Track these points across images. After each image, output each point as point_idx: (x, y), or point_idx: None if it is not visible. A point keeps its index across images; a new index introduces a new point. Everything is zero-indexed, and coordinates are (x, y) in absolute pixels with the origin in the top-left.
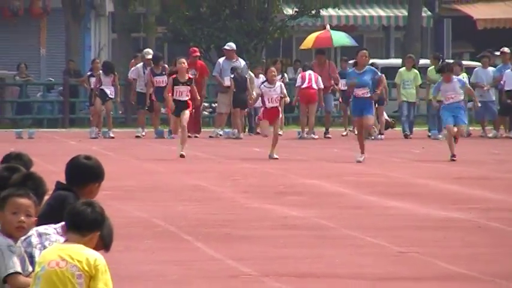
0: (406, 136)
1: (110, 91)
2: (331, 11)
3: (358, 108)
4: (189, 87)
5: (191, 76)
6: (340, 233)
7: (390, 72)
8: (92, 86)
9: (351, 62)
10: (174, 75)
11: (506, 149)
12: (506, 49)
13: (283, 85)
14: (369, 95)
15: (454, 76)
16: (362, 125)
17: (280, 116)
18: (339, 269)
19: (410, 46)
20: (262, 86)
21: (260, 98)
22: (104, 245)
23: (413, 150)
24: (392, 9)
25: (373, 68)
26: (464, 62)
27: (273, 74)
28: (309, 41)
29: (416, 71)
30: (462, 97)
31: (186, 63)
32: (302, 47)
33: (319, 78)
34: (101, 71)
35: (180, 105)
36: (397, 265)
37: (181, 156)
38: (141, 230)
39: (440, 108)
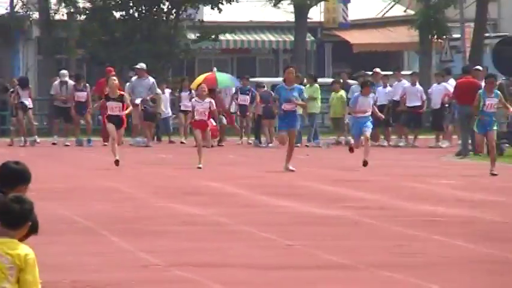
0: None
1: (28, 102)
2: (228, 36)
3: (285, 123)
4: (120, 103)
5: (123, 93)
6: (236, 229)
7: None
8: (13, 100)
9: (252, 79)
10: (107, 93)
11: (378, 156)
12: (378, 69)
13: (213, 101)
14: (296, 109)
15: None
16: (292, 137)
17: (209, 128)
18: (234, 260)
19: (296, 67)
20: (193, 100)
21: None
22: (32, 229)
23: (299, 156)
24: (281, 34)
25: (300, 86)
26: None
27: (203, 90)
28: (198, 81)
29: (317, 85)
30: (370, 112)
31: (117, 81)
32: (192, 86)
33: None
34: (17, 86)
35: (114, 120)
36: (285, 256)
37: (117, 162)
38: (63, 226)
39: (351, 121)
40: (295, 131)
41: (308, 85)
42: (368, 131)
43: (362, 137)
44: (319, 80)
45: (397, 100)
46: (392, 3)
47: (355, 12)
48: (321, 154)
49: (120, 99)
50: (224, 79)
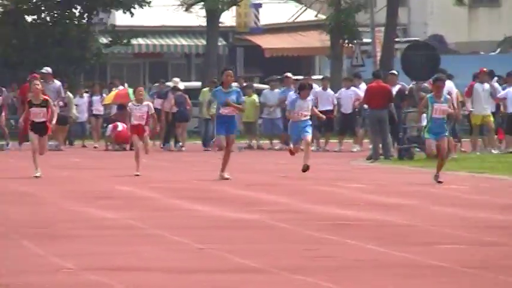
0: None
1: None
2: (140, 40)
3: (223, 128)
4: (44, 109)
5: (47, 97)
6: (149, 232)
7: (191, 93)
8: None
9: (168, 83)
10: (29, 99)
11: (290, 160)
12: (289, 74)
13: (151, 104)
14: (234, 113)
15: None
16: (229, 143)
17: (146, 133)
18: (148, 263)
19: (208, 71)
20: (130, 104)
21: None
22: None
23: (212, 161)
24: (193, 38)
25: (238, 89)
26: (254, 85)
27: (140, 94)
28: (110, 97)
29: None
30: (309, 116)
31: (40, 86)
32: (104, 102)
33: None
34: None
35: (39, 127)
36: (198, 260)
37: (37, 175)
38: None
39: (289, 124)
40: (233, 136)
41: (207, 88)
42: (308, 136)
43: (302, 141)
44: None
45: None
46: (304, 8)
47: (267, 16)
48: (234, 158)
49: (45, 104)
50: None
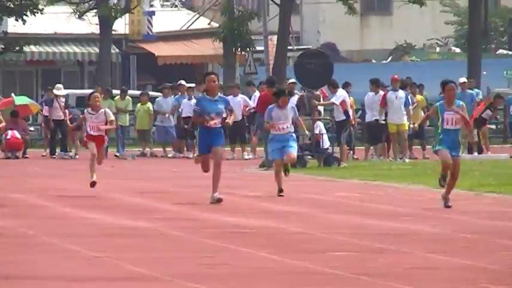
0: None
1: None
2: (33, 48)
3: (205, 144)
4: None
5: None
6: (41, 240)
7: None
8: None
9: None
10: None
11: (184, 168)
12: (182, 82)
13: (108, 110)
14: (220, 125)
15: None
16: (217, 156)
17: (105, 144)
18: (40, 272)
19: (101, 79)
20: (85, 112)
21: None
22: None
23: (105, 168)
24: (86, 46)
25: (225, 97)
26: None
27: (97, 100)
28: None
29: (129, 98)
30: (292, 129)
31: None
32: None
33: None
34: None
35: None
36: (92, 268)
37: None
38: None
39: (269, 139)
40: (220, 148)
41: (118, 97)
42: (292, 153)
43: (285, 158)
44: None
45: None
46: (197, 16)
47: (160, 24)
48: (127, 166)
49: None
50: (21, 98)
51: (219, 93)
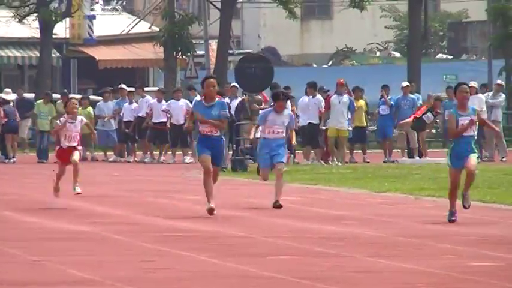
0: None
1: None
2: None
3: (206, 148)
4: None
5: None
6: None
7: (26, 104)
8: None
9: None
10: None
11: (125, 172)
12: (123, 86)
13: (83, 118)
14: (218, 133)
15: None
16: (214, 169)
17: (79, 154)
18: None
19: (42, 82)
20: (63, 119)
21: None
22: None
23: (44, 172)
24: (26, 50)
25: (223, 101)
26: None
27: (74, 107)
28: None
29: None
30: (284, 135)
31: None
32: None
33: None
34: None
35: None
36: (31, 272)
37: None
38: None
39: (259, 143)
40: (217, 168)
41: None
42: (281, 164)
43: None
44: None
45: (143, 116)
46: (137, 20)
47: (101, 28)
48: (68, 170)
49: None
50: None
51: (217, 99)
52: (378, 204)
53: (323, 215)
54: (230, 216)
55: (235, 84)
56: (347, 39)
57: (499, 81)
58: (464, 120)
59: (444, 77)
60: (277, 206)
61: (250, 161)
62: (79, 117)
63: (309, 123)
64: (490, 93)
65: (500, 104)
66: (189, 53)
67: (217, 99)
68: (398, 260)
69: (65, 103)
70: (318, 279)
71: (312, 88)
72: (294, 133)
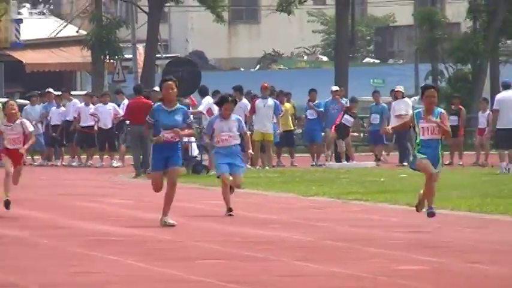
0: None
1: None
2: None
3: (160, 160)
4: None
5: None
6: None
7: None
8: None
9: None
10: None
11: (52, 176)
12: (50, 89)
13: (26, 122)
14: (177, 139)
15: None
16: (172, 177)
17: (22, 160)
18: None
19: None
20: (1, 124)
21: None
22: None
23: None
24: None
25: (184, 107)
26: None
27: (12, 109)
28: None
29: None
30: (238, 141)
31: None
32: None
33: None
34: None
35: None
36: None
37: None
38: None
39: (214, 152)
40: (177, 169)
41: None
42: (239, 175)
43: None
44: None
45: (70, 120)
46: (65, 23)
47: (28, 32)
48: None
49: None
50: None
51: (178, 103)
52: (306, 208)
53: (251, 218)
54: (157, 220)
55: (155, 89)
56: (274, 44)
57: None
58: (425, 124)
59: (371, 81)
60: (230, 213)
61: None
62: (19, 121)
63: None
64: (417, 98)
65: None
66: (116, 57)
67: (178, 105)
68: (326, 264)
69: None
70: (246, 283)
71: (237, 92)
72: (249, 140)
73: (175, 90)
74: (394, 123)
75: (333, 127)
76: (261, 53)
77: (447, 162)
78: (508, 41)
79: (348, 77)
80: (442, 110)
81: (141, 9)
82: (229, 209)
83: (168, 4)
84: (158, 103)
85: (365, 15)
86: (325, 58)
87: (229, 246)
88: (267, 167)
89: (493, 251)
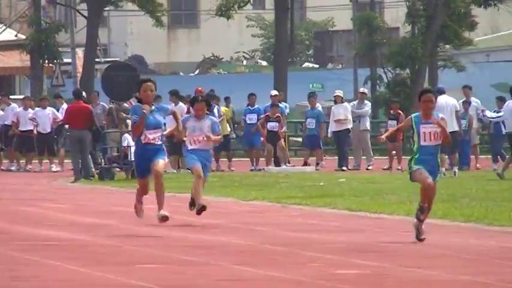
0: None
1: None
2: None
3: (145, 164)
4: None
5: None
6: None
7: None
8: None
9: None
10: None
11: None
12: None
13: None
14: (160, 141)
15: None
16: (155, 169)
17: None
18: None
19: None
20: None
21: None
22: None
23: None
24: None
25: (165, 105)
26: None
27: None
28: None
29: None
30: (210, 147)
31: None
32: None
33: None
34: None
35: None
36: None
37: None
38: None
39: (185, 152)
40: (161, 160)
41: None
42: (206, 174)
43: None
44: None
45: (9, 124)
46: (3, 27)
47: None
48: None
49: None
50: None
51: (154, 104)
52: (245, 213)
53: (190, 223)
54: (98, 225)
55: (93, 92)
56: (214, 48)
57: (361, 90)
58: (426, 129)
59: (311, 85)
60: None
61: (118, 169)
62: None
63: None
64: (355, 102)
65: (367, 113)
66: (55, 61)
67: (156, 105)
68: (266, 268)
69: None
70: (184, 287)
71: (174, 96)
72: (214, 139)
73: (154, 92)
74: (333, 128)
75: (264, 138)
76: (200, 58)
77: (385, 167)
78: (446, 46)
79: (287, 82)
80: (442, 115)
81: (80, 13)
82: (202, 207)
83: (107, 8)
84: (137, 103)
85: (304, 19)
86: (264, 62)
87: (168, 250)
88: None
89: (433, 256)
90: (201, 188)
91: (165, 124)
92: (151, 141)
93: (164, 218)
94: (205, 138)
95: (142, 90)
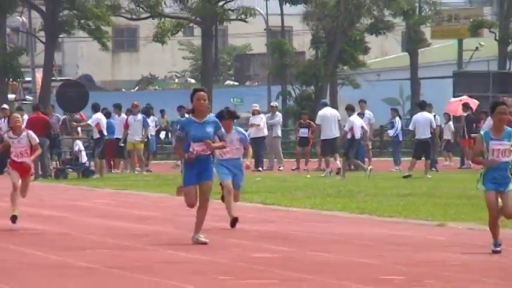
0: None
1: None
2: None
3: (194, 173)
4: None
5: None
6: None
7: None
8: None
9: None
10: None
11: None
12: None
13: (32, 133)
14: (209, 152)
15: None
16: (205, 192)
17: (31, 173)
18: None
19: None
20: (6, 136)
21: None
22: None
23: None
24: None
25: (215, 118)
26: None
27: (17, 121)
28: None
29: None
30: (239, 155)
31: None
32: None
33: None
34: None
35: None
36: None
37: None
38: None
39: (215, 163)
40: (209, 183)
41: None
42: (239, 186)
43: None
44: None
45: None
46: None
47: None
48: None
49: None
50: None
51: (208, 115)
52: (177, 206)
53: (131, 215)
54: (54, 216)
55: (49, 106)
56: (151, 68)
57: (272, 104)
58: (496, 146)
59: (232, 99)
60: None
61: (70, 170)
62: (24, 133)
63: (116, 138)
64: (269, 114)
65: (278, 122)
66: (18, 79)
67: (208, 116)
68: (194, 253)
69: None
70: (126, 268)
71: (117, 108)
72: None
73: (207, 101)
74: (251, 135)
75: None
76: (139, 76)
77: (294, 167)
78: (344, 67)
79: (212, 97)
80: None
81: (39, 39)
82: (234, 219)
83: (62, 35)
84: (187, 116)
85: (226, 45)
86: (193, 81)
87: (112, 237)
88: (136, 172)
89: (333, 242)
90: (232, 201)
91: (214, 135)
92: (200, 152)
93: (202, 243)
94: (222, 146)
95: (195, 99)
